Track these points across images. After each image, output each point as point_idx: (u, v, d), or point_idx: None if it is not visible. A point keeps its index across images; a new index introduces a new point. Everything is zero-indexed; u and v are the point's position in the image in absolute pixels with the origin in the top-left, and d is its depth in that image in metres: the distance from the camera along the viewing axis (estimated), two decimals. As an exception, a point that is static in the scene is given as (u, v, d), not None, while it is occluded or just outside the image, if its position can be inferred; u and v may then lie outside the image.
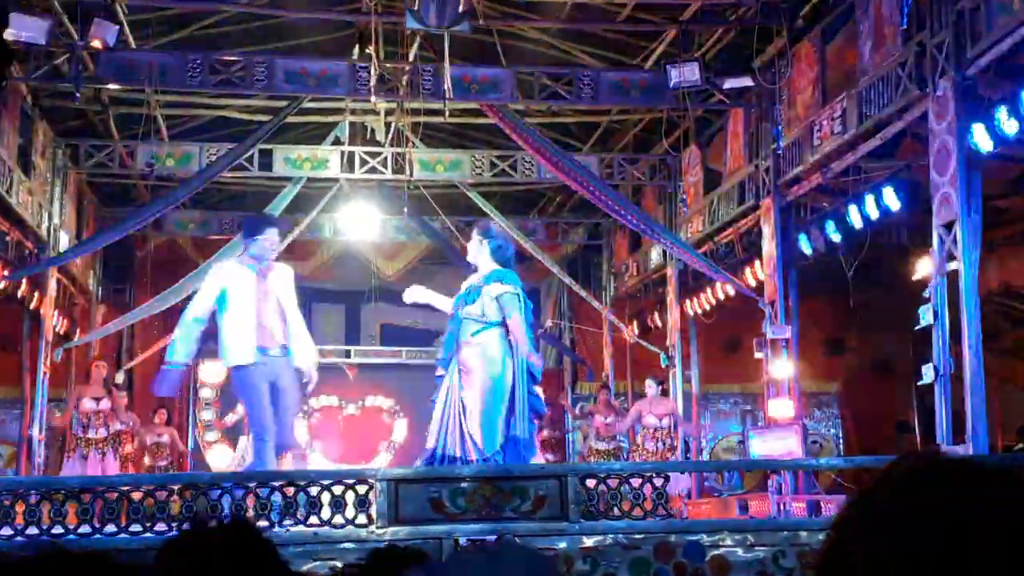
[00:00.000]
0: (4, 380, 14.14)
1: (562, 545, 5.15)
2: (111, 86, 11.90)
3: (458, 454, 6.23)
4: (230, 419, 15.36)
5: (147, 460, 13.65)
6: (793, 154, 11.07)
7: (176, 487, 5.36)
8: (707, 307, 13.82)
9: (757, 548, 5.23)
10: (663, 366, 14.27)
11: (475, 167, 14.45)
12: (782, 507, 10.37)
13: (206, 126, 14.66)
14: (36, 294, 12.95)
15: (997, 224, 11.33)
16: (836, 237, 10.82)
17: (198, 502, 5.25)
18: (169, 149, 13.91)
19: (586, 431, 14.61)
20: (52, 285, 13.39)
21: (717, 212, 13.13)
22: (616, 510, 5.38)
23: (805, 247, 11.32)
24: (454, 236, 15.60)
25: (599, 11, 12.24)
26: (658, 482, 5.51)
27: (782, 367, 11.33)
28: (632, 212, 12.64)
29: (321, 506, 5.22)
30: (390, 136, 14.10)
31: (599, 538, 5.21)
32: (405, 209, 14.87)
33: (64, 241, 13.86)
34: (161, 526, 5.12)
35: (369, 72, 11.46)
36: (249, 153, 13.49)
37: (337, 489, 5.23)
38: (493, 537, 5.01)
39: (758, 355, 11.74)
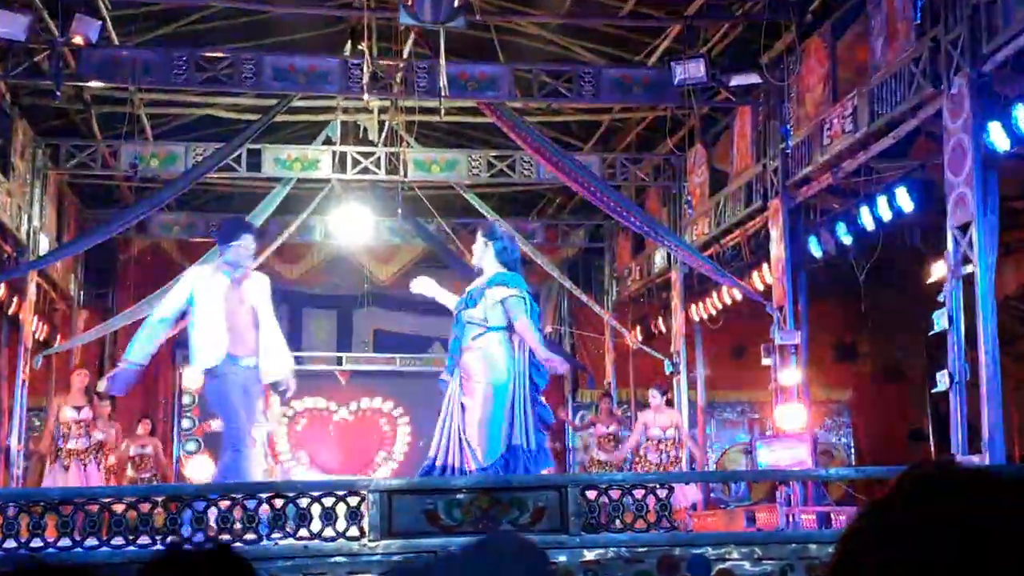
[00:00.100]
0: (-18, 389, 14.13)
1: (562, 559, 5.14)
2: (93, 84, 11.90)
3: (457, 464, 6.22)
4: (216, 424, 15.29)
5: (130, 472, 13.62)
6: (802, 153, 11.08)
7: (160, 499, 5.35)
8: (713, 312, 13.83)
9: (765, 562, 5.22)
10: (667, 373, 14.26)
11: (472, 167, 14.46)
12: (791, 519, 10.38)
13: (192, 125, 14.66)
14: (15, 299, 12.94)
15: (1014, 226, 11.34)
16: (847, 239, 10.83)
17: (183, 514, 5.24)
18: (154, 149, 13.92)
19: (587, 441, 14.61)
20: (32, 290, 13.38)
21: (723, 214, 13.14)
22: (618, 522, 5.37)
23: (815, 250, 11.33)
24: (450, 239, 15.61)
25: (600, 5, 12.26)
26: (662, 493, 5.50)
27: (791, 374, 11.34)
28: (635, 214, 12.64)
29: (311, 519, 5.21)
30: (383, 135, 14.10)
31: (600, 551, 5.19)
32: (399, 211, 14.86)
33: (44, 244, 13.84)
34: (144, 539, 5.11)
35: (362, 69, 11.46)
36: (237, 153, 13.49)
37: (328, 501, 5.22)
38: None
39: (766, 362, 11.74)
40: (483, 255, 6.52)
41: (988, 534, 1.02)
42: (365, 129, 14.41)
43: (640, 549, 5.22)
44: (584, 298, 16.01)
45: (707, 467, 14.71)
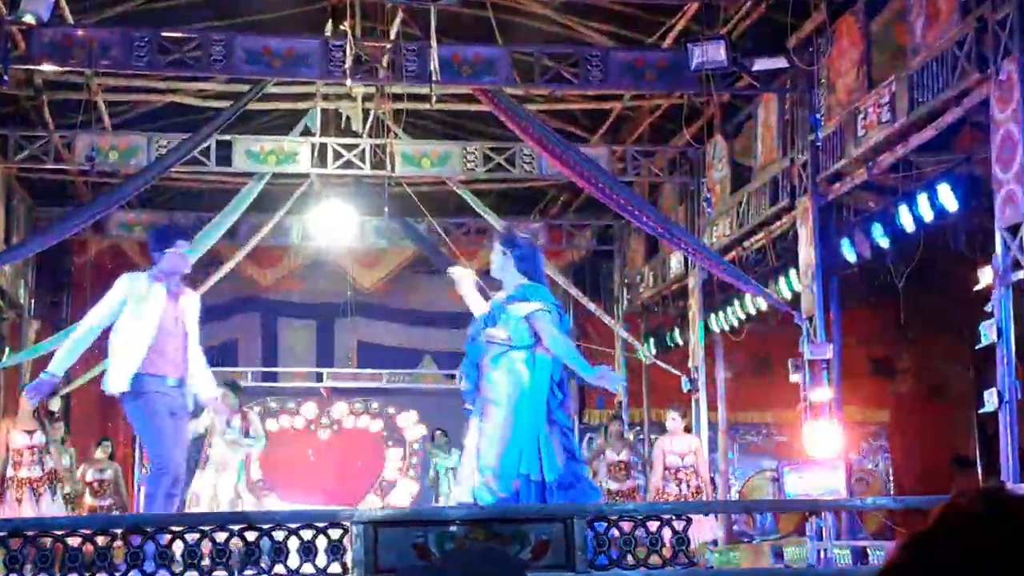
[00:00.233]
0: (-80, 408, 14.14)
1: (567, 598, 5.15)
2: (45, 67, 11.89)
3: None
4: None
5: (88, 500, 13.61)
6: (834, 146, 11.10)
7: (119, 531, 5.34)
8: (735, 323, 13.84)
9: (793, 602, 5.22)
10: (684, 391, 14.27)
11: (466, 161, 14.47)
12: (822, 554, 10.37)
13: (155, 114, 14.68)
14: (-42, 308, 12.95)
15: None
16: (884, 242, 10.84)
17: (145, 548, 5.24)
18: (113, 140, 13.93)
19: (596, 468, 14.60)
20: (-24, 298, 13.39)
21: (746, 213, 13.15)
22: (630, 557, 5.37)
23: (848, 253, 11.34)
24: (442, 241, 15.61)
25: (609, -19, 12.29)
26: (679, 525, 5.50)
27: (822, 392, 11.34)
28: (648, 213, 12.66)
29: (287, 553, 5.21)
30: (368, 126, 14.11)
31: (610, 590, 5.20)
32: (386, 209, 14.86)
33: (-10, 247, 13.87)
34: (102, 576, 5.12)
35: (344, 51, 11.47)
36: (205, 145, 13.50)
37: (307, 534, 5.22)
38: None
39: (794, 378, 11.74)
40: (502, 267, 6.47)
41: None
42: (348, 118, 14.42)
43: (654, 587, 5.22)
44: (592, 307, 16.01)
45: (727, 497, 14.71)
